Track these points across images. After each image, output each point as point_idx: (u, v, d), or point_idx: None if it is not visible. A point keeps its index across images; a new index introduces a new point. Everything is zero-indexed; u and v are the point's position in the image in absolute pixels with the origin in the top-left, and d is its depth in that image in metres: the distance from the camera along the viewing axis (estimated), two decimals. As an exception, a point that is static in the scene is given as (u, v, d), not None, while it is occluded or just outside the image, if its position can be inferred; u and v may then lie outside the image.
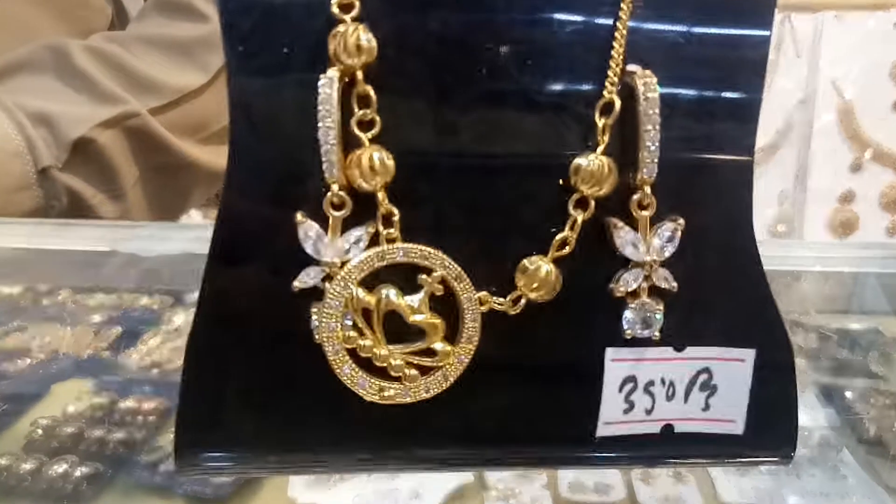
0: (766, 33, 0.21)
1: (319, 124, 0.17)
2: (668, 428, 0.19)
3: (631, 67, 0.18)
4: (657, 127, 0.17)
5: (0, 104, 0.46)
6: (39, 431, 0.45)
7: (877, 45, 0.87)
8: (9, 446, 0.44)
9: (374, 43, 0.17)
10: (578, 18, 0.19)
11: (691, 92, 0.19)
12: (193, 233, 0.38)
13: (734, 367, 0.19)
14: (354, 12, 0.17)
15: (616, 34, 0.19)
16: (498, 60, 0.19)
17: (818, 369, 0.54)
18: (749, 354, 0.19)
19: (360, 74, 0.17)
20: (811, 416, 0.50)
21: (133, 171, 0.52)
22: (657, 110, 0.17)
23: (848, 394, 0.51)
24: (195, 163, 0.55)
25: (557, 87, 0.19)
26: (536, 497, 0.42)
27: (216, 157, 0.56)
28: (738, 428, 0.19)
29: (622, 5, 0.19)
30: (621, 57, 0.19)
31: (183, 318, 0.53)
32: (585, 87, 0.19)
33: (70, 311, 0.54)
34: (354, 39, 0.17)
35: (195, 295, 0.55)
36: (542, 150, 0.19)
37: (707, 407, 0.19)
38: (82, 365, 0.51)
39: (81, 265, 0.48)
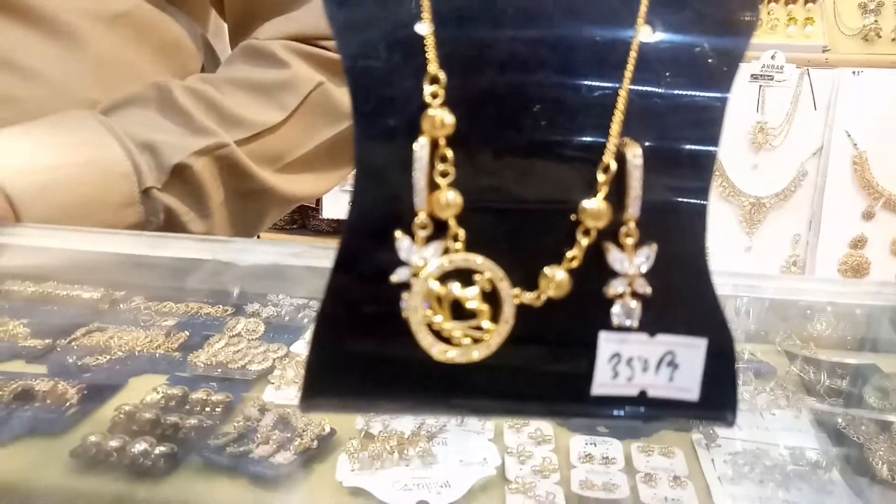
0: (727, 95, 0.30)
1: (414, 174, 0.28)
2: (643, 392, 0.29)
3: (624, 139, 0.29)
4: (640, 184, 0.28)
5: (113, 133, 0.58)
6: (122, 416, 0.55)
7: (892, 100, 0.96)
8: (97, 427, 0.54)
9: (453, 121, 0.28)
10: (595, 85, 0.29)
11: (667, 146, 0.29)
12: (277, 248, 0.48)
13: (691, 351, 0.29)
14: (440, 99, 0.28)
15: (616, 107, 0.29)
16: (532, 127, 0.29)
17: (815, 398, 0.62)
18: (702, 342, 0.29)
19: (442, 141, 0.28)
20: (804, 439, 0.58)
21: (219, 193, 0.63)
22: (640, 173, 0.28)
23: (840, 420, 0.59)
24: (272, 189, 0.66)
25: (574, 144, 0.29)
26: (551, 491, 0.50)
27: (290, 184, 0.68)
28: (694, 395, 0.29)
29: (626, 73, 0.29)
30: (619, 128, 0.29)
31: (243, 325, 0.63)
32: (594, 146, 0.29)
33: (143, 316, 0.65)
34: (440, 119, 0.28)
35: (254, 306, 0.66)
36: (561, 194, 0.29)
37: (672, 379, 0.29)
38: (155, 362, 0.61)
39: (162, 274, 0.59)
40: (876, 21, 1.06)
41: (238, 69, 0.68)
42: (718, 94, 0.30)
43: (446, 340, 0.28)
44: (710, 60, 0.30)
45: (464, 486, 0.50)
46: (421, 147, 0.27)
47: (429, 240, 0.28)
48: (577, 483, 0.51)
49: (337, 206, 1.99)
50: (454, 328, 0.28)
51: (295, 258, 0.47)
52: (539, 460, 0.52)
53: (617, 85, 0.29)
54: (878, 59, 0.99)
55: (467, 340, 0.28)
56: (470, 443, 0.54)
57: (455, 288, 0.28)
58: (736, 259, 1.12)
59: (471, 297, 0.28)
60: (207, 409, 0.56)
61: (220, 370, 0.60)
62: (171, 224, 0.62)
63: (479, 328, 0.28)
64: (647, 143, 0.29)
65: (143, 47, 0.67)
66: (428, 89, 0.28)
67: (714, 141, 0.30)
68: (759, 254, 1.06)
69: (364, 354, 0.28)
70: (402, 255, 0.28)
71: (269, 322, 0.64)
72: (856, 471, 0.55)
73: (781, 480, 0.54)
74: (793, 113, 0.97)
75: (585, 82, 0.29)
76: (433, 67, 0.28)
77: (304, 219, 2.23)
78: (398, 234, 0.28)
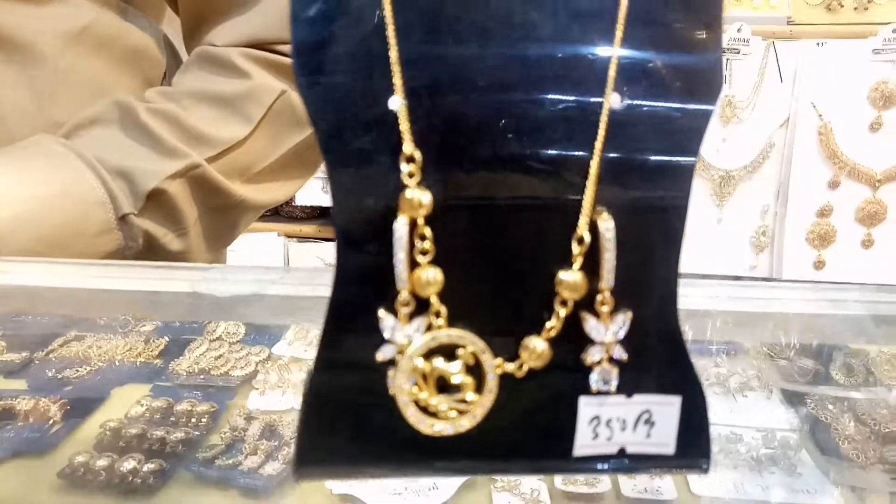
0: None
1: (394, 255, 0.28)
2: (623, 450, 0.31)
3: (599, 209, 0.30)
4: (613, 255, 0.29)
5: (85, 161, 0.58)
6: (108, 432, 0.56)
7: (855, 71, 0.98)
8: (83, 445, 0.55)
9: (430, 200, 0.29)
10: (568, 152, 0.30)
11: (640, 206, 0.30)
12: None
13: (666, 409, 0.31)
14: (417, 178, 0.29)
15: (588, 177, 0.30)
16: (509, 198, 0.30)
17: (784, 378, 0.66)
18: (676, 400, 0.31)
19: (420, 220, 0.29)
20: (774, 419, 0.61)
21: (194, 211, 0.64)
22: (613, 245, 0.29)
23: (809, 401, 0.62)
24: (243, 200, 0.67)
25: (549, 213, 0.30)
26: (535, 487, 0.53)
27: (260, 193, 0.69)
28: (670, 449, 0.31)
29: (597, 140, 0.30)
30: (591, 199, 0.30)
31: (223, 328, 0.65)
32: (569, 213, 0.30)
33: (121, 323, 0.65)
34: (418, 200, 0.28)
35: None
36: (538, 263, 0.30)
37: (649, 435, 0.31)
38: (137, 371, 0.62)
39: (140, 301, 0.59)
40: (839, -10, 1.08)
41: (198, 79, 0.67)
42: (689, 158, 0.31)
43: (432, 414, 0.30)
44: (678, 126, 0.31)
45: (451, 487, 0.52)
46: (400, 227, 0.28)
47: (411, 316, 0.29)
48: (560, 478, 0.54)
49: (309, 193, 2.03)
50: (440, 402, 0.29)
51: (273, 285, 0.48)
52: (522, 459, 0.55)
53: (587, 153, 0.29)
54: (841, 30, 1.01)
55: (453, 413, 0.29)
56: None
57: (439, 363, 0.29)
58: (707, 232, 1.15)
59: (455, 371, 0.29)
60: (193, 420, 0.58)
61: (202, 377, 0.61)
62: (150, 245, 0.63)
63: (463, 401, 0.30)
64: (622, 201, 0.30)
65: (105, 60, 0.66)
66: (404, 168, 0.28)
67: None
68: (729, 226, 1.09)
69: (353, 426, 0.30)
70: (387, 333, 0.29)
71: (248, 324, 0.65)
72: (823, 450, 0.58)
73: (754, 465, 0.57)
74: (759, 85, 0.99)
75: (559, 150, 0.30)
76: (408, 147, 0.28)
77: (276, 206, 2.25)
78: (382, 313, 0.29)
